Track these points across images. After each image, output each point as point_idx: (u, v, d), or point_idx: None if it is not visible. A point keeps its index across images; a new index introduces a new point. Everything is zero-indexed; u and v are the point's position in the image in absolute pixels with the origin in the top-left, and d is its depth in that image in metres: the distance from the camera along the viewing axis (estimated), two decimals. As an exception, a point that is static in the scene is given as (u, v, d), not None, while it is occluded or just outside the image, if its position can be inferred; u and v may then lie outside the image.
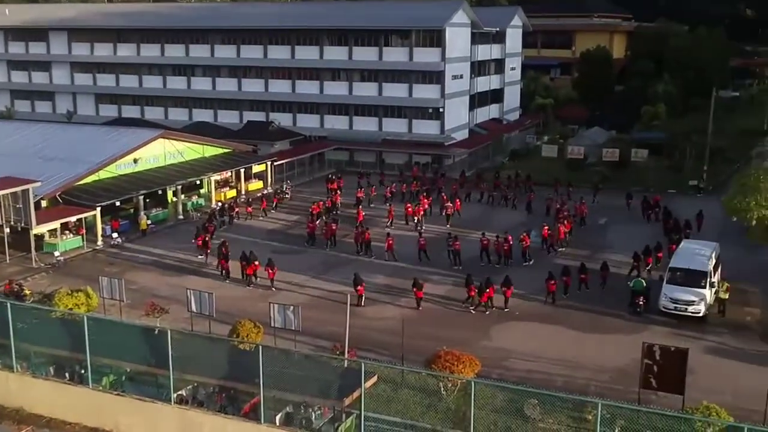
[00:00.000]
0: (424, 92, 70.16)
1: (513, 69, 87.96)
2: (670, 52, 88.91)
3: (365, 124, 72.59)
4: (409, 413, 26.57)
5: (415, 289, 37.63)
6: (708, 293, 36.33)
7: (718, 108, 70.89)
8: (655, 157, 68.05)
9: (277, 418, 23.60)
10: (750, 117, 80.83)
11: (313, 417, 23.90)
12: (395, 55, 70.51)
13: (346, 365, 26.44)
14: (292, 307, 31.43)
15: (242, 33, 76.24)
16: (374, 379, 24.41)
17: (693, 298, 36.00)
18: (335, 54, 72.62)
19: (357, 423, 23.23)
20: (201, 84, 79.16)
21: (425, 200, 54.11)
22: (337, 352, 29.35)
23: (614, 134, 78.53)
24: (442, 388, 27.50)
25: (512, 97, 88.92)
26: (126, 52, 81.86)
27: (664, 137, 72.51)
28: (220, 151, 61.32)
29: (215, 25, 77.91)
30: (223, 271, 41.87)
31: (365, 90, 72.11)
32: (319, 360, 28.02)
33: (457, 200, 54.51)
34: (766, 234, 34.54)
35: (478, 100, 78.58)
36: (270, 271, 39.95)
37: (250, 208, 54.53)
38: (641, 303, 36.78)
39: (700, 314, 35.89)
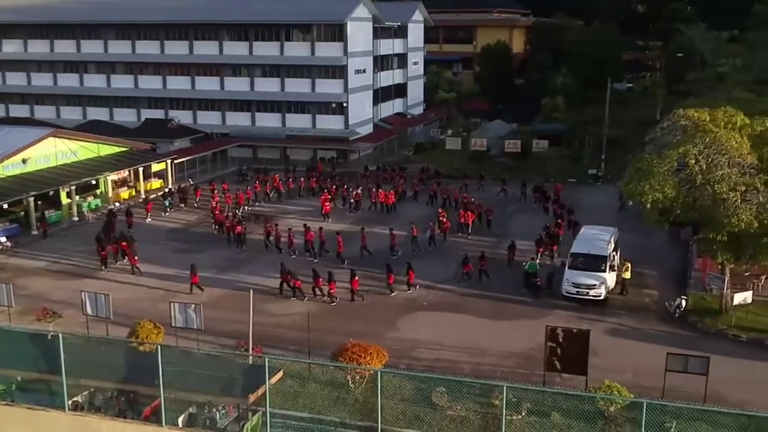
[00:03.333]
0: (328, 87, 69.70)
1: (416, 64, 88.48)
2: (568, 46, 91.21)
3: (268, 120, 71.53)
4: (317, 407, 26.15)
5: (326, 282, 37.43)
6: (608, 277, 37.29)
7: (614, 99, 73.20)
8: (556, 147, 69.85)
9: (180, 419, 22.70)
10: (644, 108, 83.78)
11: (218, 416, 23.13)
12: (297, 50, 69.76)
13: (250, 362, 25.77)
14: (193, 306, 30.47)
15: (137, 28, 73.95)
16: (280, 374, 23.81)
17: (594, 282, 36.90)
18: (235, 49, 71.29)
19: (263, 420, 22.60)
20: (94, 81, 76.30)
21: (328, 195, 54.07)
22: (242, 350, 28.61)
23: (516, 126, 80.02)
24: (350, 381, 27.16)
25: (416, 92, 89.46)
26: (12, 48, 78.12)
27: (564, 128, 74.41)
28: (117, 149, 59.18)
29: (108, 20, 75.11)
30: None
31: (267, 85, 71.09)
32: (222, 358, 27.18)
33: (392, 193, 54.49)
34: (661, 217, 35.59)
35: (381, 94, 78.64)
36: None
37: (150, 205, 53.03)
38: (538, 283, 38.06)
39: (601, 297, 36.80)
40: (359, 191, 54.56)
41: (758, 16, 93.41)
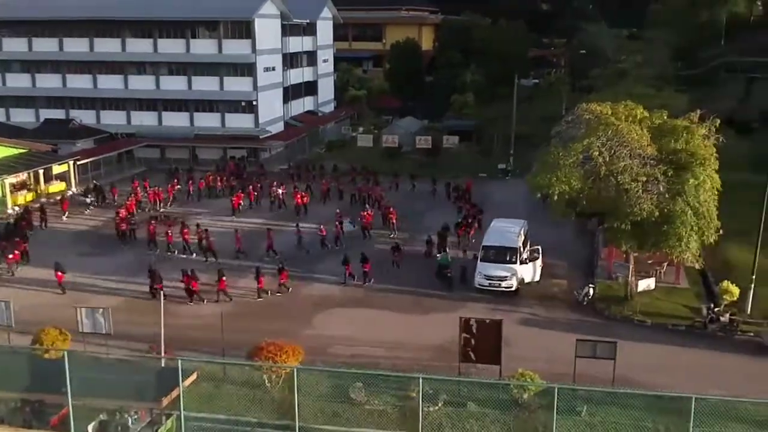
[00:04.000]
0: (236, 85, 68.70)
1: (325, 61, 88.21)
2: (475, 44, 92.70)
3: (176, 120, 69.96)
4: (233, 409, 25.72)
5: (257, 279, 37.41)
6: (519, 268, 38.05)
7: (521, 96, 74.78)
8: (466, 143, 70.85)
9: (90, 427, 21.93)
10: (550, 103, 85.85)
11: (130, 422, 22.43)
12: (204, 47, 68.46)
13: (163, 365, 25.13)
14: (101, 310, 29.50)
15: (34, 24, 70.91)
16: (194, 377, 23.30)
17: (505, 273, 37.63)
18: (139, 46, 69.34)
19: (177, 424, 22.08)
20: (-12, 80, 72.89)
21: (242, 194, 53.51)
22: (154, 353, 27.87)
23: (427, 123, 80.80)
24: (267, 380, 26.81)
25: (326, 89, 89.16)
26: None
27: (474, 124, 75.62)
28: (14, 151, 56.61)
29: (2, 17, 71.69)
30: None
31: (174, 84, 69.48)
32: (133, 362, 26.44)
33: (303, 193, 54.07)
34: (568, 209, 36.53)
35: (292, 92, 78.04)
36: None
37: (66, 204, 51.98)
38: (448, 274, 38.67)
39: (513, 288, 37.53)
40: (282, 190, 53.88)
41: (655, 15, 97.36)
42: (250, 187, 55.46)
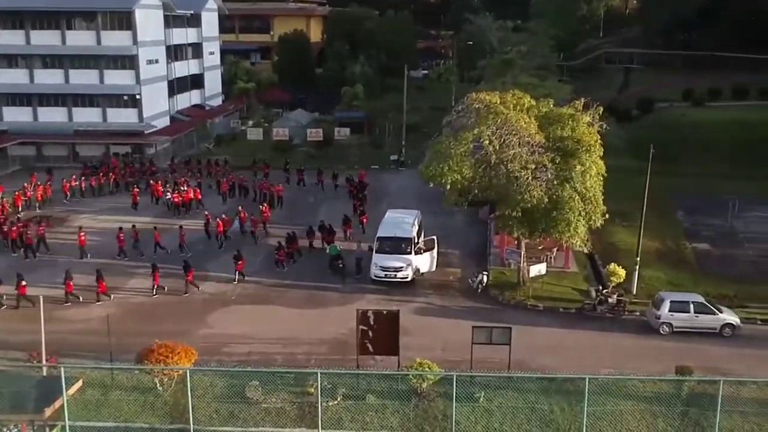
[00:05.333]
0: (118, 78, 65.83)
1: (212, 53, 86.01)
2: (364, 35, 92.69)
3: (53, 115, 66.40)
4: (123, 415, 24.58)
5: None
6: (414, 259, 38.11)
7: (411, 87, 75.19)
8: (358, 135, 70.72)
9: (-37, 444, 20.46)
10: (439, 94, 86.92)
11: (9, 436, 21.07)
12: (81, 39, 65.16)
13: (44, 374, 23.71)
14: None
15: None
16: (79, 384, 22.13)
17: (401, 264, 37.62)
18: (9, 38, 65.30)
19: (62, 435, 20.89)
20: None
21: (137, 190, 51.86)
22: (34, 361, 26.26)
23: (318, 115, 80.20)
24: (158, 384, 25.77)
25: (213, 83, 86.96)
26: None
27: (364, 116, 75.55)
28: None
29: None
30: None
31: (49, 77, 65.83)
32: (11, 372, 24.78)
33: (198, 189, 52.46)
34: (460, 198, 36.86)
35: (177, 85, 75.62)
36: None
37: None
38: (340, 265, 38.68)
39: (409, 279, 37.59)
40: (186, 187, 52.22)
41: (537, 7, 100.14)
42: (158, 183, 53.20)
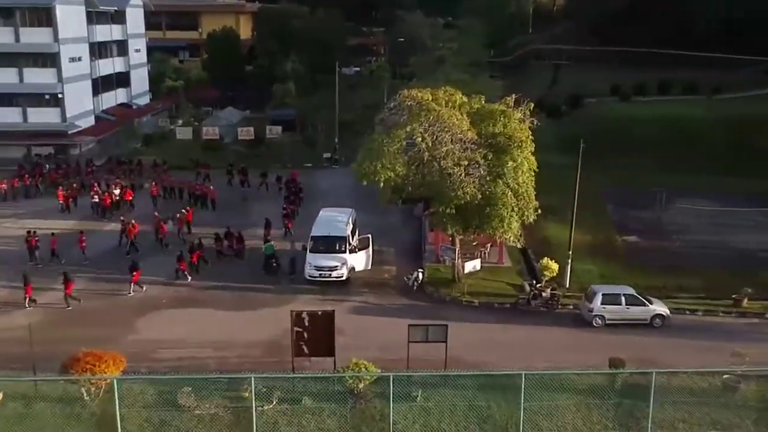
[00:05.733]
0: (38, 77, 63.52)
1: (138, 51, 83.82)
2: (294, 32, 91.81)
3: (-31, 115, 63.77)
4: (47, 428, 23.53)
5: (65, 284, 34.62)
6: (349, 257, 37.78)
7: (344, 84, 74.80)
8: (290, 133, 69.94)
9: None
10: (372, 91, 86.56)
11: None
12: (-1, 36, 62.78)
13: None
14: None
15: None
16: (-1, 397, 21.13)
17: (335, 263, 37.27)
18: None
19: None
20: None
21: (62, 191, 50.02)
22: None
23: (249, 113, 79.06)
24: (85, 393, 24.79)
25: (140, 81, 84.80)
26: None
27: (296, 114, 74.77)
28: None
29: None
30: None
31: (-36, 76, 63.20)
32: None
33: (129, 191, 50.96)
34: (394, 196, 36.71)
35: (102, 84, 73.47)
36: None
37: None
38: (274, 264, 38.21)
39: (344, 278, 37.24)
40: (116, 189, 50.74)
41: (467, 5, 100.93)
42: (95, 185, 51.39)
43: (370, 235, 39.69)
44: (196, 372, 27.15)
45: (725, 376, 26.11)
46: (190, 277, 37.65)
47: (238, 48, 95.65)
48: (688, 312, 34.43)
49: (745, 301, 34.58)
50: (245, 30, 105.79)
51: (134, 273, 36.04)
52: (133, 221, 42.61)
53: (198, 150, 64.59)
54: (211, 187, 51.51)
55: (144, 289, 36.14)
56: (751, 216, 47.16)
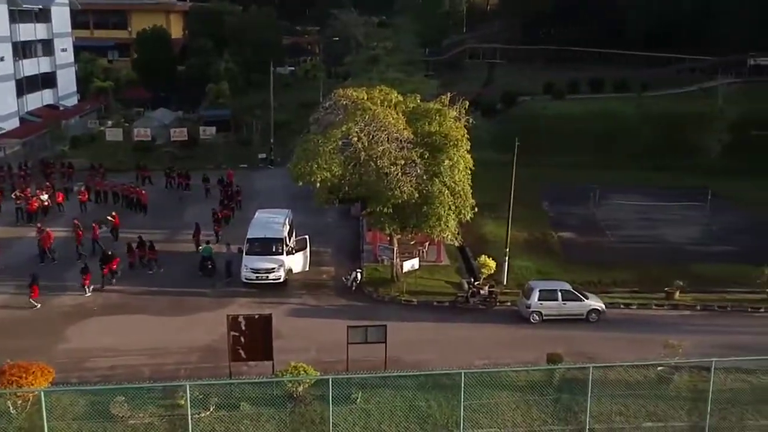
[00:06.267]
0: (-41, 77, 61.28)
1: (64, 50, 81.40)
2: (227, 31, 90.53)
3: None
4: (-29, 445, 22.54)
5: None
6: (286, 259, 37.33)
7: (278, 83, 74.16)
8: (224, 133, 68.95)
9: None
10: (307, 90, 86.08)
11: None
12: None
13: None
14: None
15: None
16: None
17: (272, 265, 36.76)
18: None
19: None
20: None
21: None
22: None
23: (182, 114, 77.59)
24: (11, 407, 23.79)
25: (67, 81, 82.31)
26: None
27: (231, 114, 73.74)
28: None
29: None
30: None
31: None
32: None
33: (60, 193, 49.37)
34: (330, 196, 36.41)
35: (27, 85, 71.14)
36: None
37: None
38: (209, 266, 37.66)
39: (281, 280, 36.77)
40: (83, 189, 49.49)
41: (401, 3, 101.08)
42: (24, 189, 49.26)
43: (307, 236, 39.28)
44: (129, 381, 26.33)
45: (659, 368, 26.61)
46: (88, 292, 35.51)
47: (169, 47, 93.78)
48: (622, 306, 35.05)
49: (677, 293, 35.39)
50: (176, 29, 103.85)
51: (33, 287, 34.02)
52: (47, 230, 40.70)
53: (129, 152, 63.09)
54: (143, 191, 50.12)
55: (38, 306, 33.99)
56: (680, 210, 48.38)
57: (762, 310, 34.68)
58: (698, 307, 35.00)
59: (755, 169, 54.70)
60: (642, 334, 31.46)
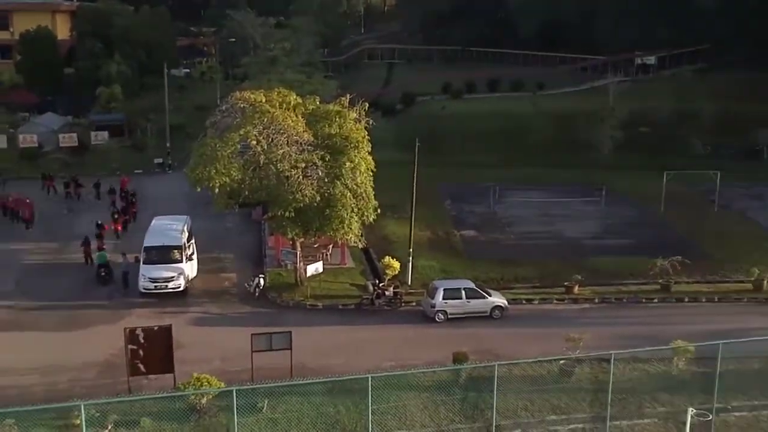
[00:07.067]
0: None
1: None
2: (118, 32, 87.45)
3: None
4: None
5: None
6: (186, 267, 36.33)
7: (173, 86, 72.18)
8: (117, 138, 66.64)
9: None
10: (204, 93, 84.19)
11: None
12: None
13: None
14: None
15: None
16: None
17: (172, 273, 35.73)
18: None
19: None
20: None
21: None
22: None
23: (71, 119, 74.29)
24: None
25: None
26: None
27: (124, 118, 71.28)
28: None
29: None
30: None
31: None
32: None
33: None
34: (230, 201, 35.63)
35: None
36: None
37: None
38: (102, 273, 36.71)
39: (181, 288, 35.75)
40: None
41: (299, 4, 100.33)
42: None
43: (192, 242, 38.41)
44: (20, 402, 24.86)
45: (561, 362, 27.17)
46: None
47: (55, 49, 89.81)
48: (524, 301, 35.70)
49: (577, 287, 36.32)
50: (63, 30, 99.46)
51: None
52: None
53: (14, 159, 60.06)
54: (27, 200, 47.58)
55: None
56: (577, 206, 49.76)
57: (656, 300, 35.98)
58: (597, 300, 36.01)
59: (644, 165, 56.92)
60: (544, 328, 32.08)
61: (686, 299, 35.96)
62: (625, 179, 54.51)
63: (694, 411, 20.93)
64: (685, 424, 20.65)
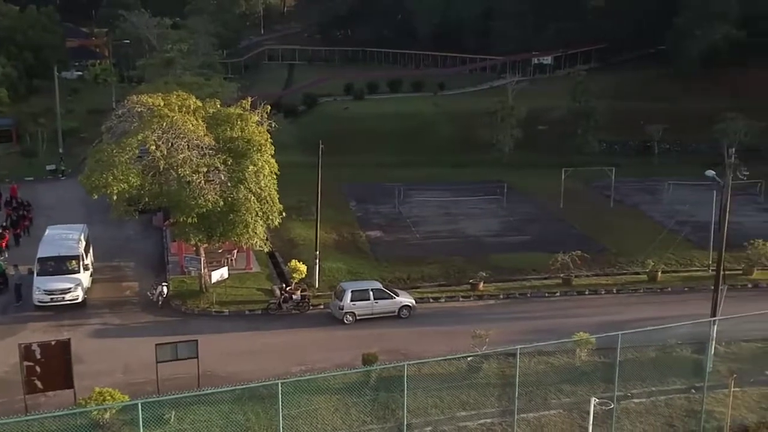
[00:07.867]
0: None
1: None
2: (2, 33, 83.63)
3: None
4: None
5: None
6: (83, 277, 35.02)
7: (65, 89, 69.47)
8: (4, 144, 63.80)
9: None
10: (98, 95, 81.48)
11: None
12: None
13: None
14: None
15: None
16: None
17: (69, 285, 34.34)
18: None
19: None
20: None
21: None
22: None
23: (-47, 125, 70.61)
24: None
25: None
26: None
27: (11, 122, 68.25)
28: None
29: None
30: None
31: None
32: None
33: None
34: (129, 207, 34.51)
35: None
36: None
37: None
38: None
39: (79, 300, 34.40)
40: None
41: (194, 4, 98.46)
42: None
43: (91, 250, 37.18)
44: None
45: (469, 359, 27.59)
46: None
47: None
48: (431, 300, 36.05)
49: (481, 284, 36.93)
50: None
51: None
52: None
53: None
54: None
55: None
56: (479, 204, 50.69)
57: (558, 294, 37.00)
58: (501, 296, 36.73)
59: (543, 162, 58.56)
60: (451, 326, 32.49)
61: (587, 292, 37.12)
62: (526, 177, 55.92)
63: (597, 400, 21.68)
64: (588, 413, 21.33)
